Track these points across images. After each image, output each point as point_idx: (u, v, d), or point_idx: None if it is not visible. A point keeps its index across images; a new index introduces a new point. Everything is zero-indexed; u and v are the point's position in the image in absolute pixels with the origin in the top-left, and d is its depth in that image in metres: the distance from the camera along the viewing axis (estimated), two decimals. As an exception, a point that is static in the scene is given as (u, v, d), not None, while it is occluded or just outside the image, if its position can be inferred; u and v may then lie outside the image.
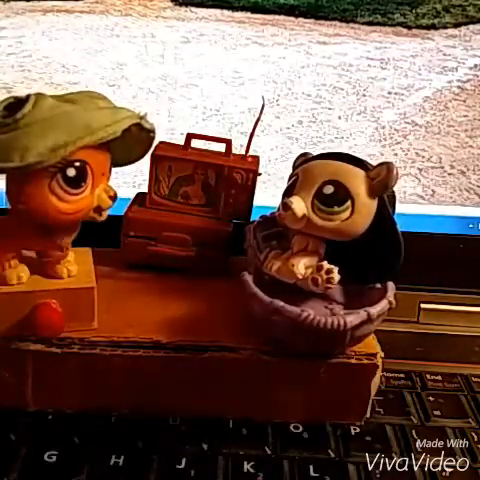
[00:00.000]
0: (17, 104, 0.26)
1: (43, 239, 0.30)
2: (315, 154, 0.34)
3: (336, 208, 0.30)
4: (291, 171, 0.34)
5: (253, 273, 0.32)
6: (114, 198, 0.29)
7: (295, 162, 0.35)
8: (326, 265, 0.30)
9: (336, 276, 0.30)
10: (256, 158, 0.39)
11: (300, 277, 0.31)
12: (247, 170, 0.37)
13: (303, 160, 0.33)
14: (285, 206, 0.30)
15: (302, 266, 0.31)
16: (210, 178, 0.38)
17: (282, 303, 0.29)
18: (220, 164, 0.37)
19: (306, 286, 0.31)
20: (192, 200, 0.39)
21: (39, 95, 0.27)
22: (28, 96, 0.26)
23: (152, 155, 0.37)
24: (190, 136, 0.38)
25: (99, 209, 0.29)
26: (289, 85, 0.46)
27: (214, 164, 0.38)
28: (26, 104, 0.26)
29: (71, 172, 0.27)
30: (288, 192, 0.32)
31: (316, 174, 0.31)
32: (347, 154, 0.32)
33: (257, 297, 0.30)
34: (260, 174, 0.38)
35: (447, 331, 0.44)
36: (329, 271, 0.30)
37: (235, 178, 0.38)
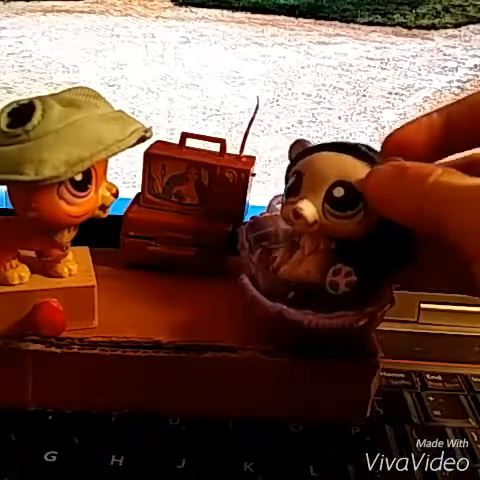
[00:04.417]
0: (22, 111, 0.26)
1: (44, 239, 0.30)
2: (314, 144, 0.31)
3: (349, 212, 0.28)
4: (289, 161, 0.32)
5: (248, 275, 0.32)
6: (116, 195, 0.30)
7: (291, 150, 0.32)
8: (344, 268, 0.29)
9: (354, 278, 0.29)
10: (251, 158, 0.39)
11: (316, 281, 0.30)
12: (239, 170, 0.37)
13: (302, 150, 0.31)
14: (295, 214, 0.29)
15: (318, 270, 0.30)
16: (203, 178, 0.38)
17: (284, 306, 0.29)
18: (213, 164, 0.37)
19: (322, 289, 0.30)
20: (185, 199, 0.38)
21: (44, 102, 0.27)
22: (32, 103, 0.26)
23: (145, 153, 0.37)
24: (185, 135, 0.38)
25: (103, 207, 0.30)
26: (289, 85, 0.46)
27: (207, 164, 0.37)
28: (34, 114, 0.26)
29: (78, 176, 0.27)
30: (292, 192, 0.30)
31: (324, 173, 0.29)
32: (352, 146, 0.30)
33: (257, 300, 0.30)
34: (254, 174, 0.38)
35: (447, 331, 0.44)
36: (348, 274, 0.29)
37: (227, 178, 0.37)
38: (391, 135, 0.30)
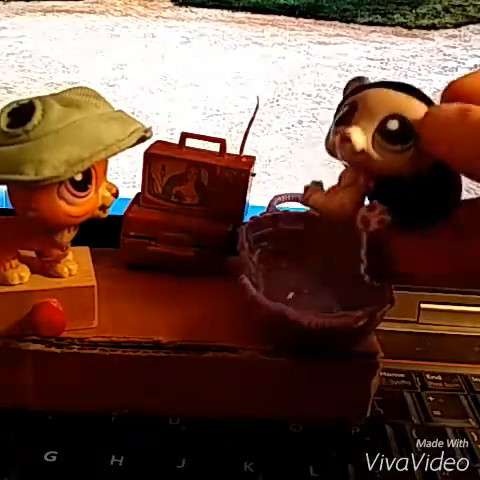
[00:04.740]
0: (22, 111, 0.26)
1: (44, 239, 0.30)
2: (373, 81, 0.30)
3: (399, 147, 0.27)
4: (343, 96, 0.31)
5: (248, 275, 0.32)
6: (116, 195, 0.30)
7: (347, 86, 0.31)
8: (379, 206, 0.27)
9: (388, 217, 0.27)
10: (251, 158, 0.39)
11: (348, 215, 0.28)
12: (239, 170, 0.37)
13: (359, 85, 0.30)
14: (343, 137, 0.27)
15: (353, 203, 0.28)
16: (203, 178, 0.38)
17: (284, 306, 0.29)
18: (212, 164, 0.37)
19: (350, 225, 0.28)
20: (185, 200, 0.38)
21: (44, 102, 0.27)
22: (32, 103, 0.26)
23: (145, 153, 0.37)
24: (185, 135, 0.38)
25: (103, 207, 0.30)
26: (289, 85, 0.46)
27: (207, 164, 0.37)
28: (34, 113, 0.26)
29: (78, 176, 0.27)
30: (343, 120, 0.28)
31: (379, 105, 0.27)
32: (411, 86, 0.28)
33: (257, 300, 0.30)
34: (254, 175, 0.38)
35: (447, 331, 0.44)
36: (382, 212, 0.27)
37: (227, 178, 0.37)
38: (452, 83, 0.28)
